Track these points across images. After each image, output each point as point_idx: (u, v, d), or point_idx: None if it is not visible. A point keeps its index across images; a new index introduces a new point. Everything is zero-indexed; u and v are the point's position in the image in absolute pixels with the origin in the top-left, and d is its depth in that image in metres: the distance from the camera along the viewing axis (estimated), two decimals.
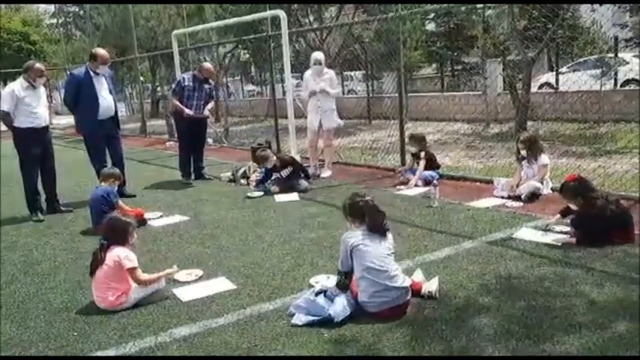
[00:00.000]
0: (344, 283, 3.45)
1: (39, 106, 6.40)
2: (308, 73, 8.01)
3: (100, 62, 6.85)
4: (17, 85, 6.31)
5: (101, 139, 7.07)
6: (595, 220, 4.34)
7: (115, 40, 19.38)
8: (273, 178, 7.21)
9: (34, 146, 6.41)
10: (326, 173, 8.03)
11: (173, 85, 8.29)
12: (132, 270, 3.78)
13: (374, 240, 3.39)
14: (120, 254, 3.77)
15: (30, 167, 6.50)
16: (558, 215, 4.76)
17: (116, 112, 7.19)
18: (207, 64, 8.28)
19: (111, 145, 7.21)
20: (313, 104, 7.91)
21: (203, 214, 6.24)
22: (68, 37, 26.92)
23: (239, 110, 22.64)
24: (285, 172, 7.14)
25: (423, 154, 7.05)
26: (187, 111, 7.84)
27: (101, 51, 6.99)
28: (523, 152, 6.00)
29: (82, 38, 27.27)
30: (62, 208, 6.76)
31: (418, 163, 7.12)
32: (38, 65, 6.44)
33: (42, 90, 6.54)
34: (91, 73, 6.84)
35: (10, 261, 5.03)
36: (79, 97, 6.88)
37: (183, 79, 8.01)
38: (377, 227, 3.43)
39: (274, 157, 7.28)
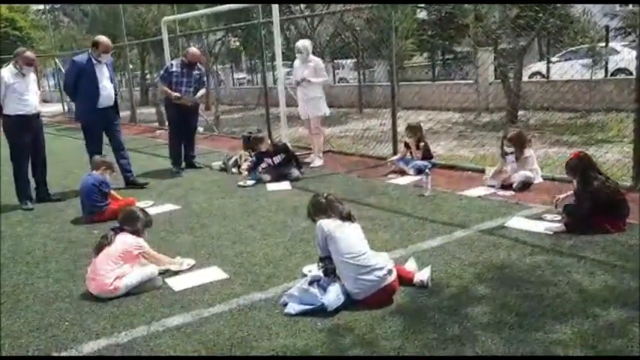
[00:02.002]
0: (329, 268, 3.54)
1: (29, 93, 6.28)
2: (296, 62, 7.99)
3: (101, 50, 6.69)
4: (6, 72, 6.19)
5: (99, 127, 6.94)
6: (587, 199, 4.36)
7: (104, 27, 19.14)
8: (264, 165, 7.19)
9: (24, 134, 6.31)
10: (317, 162, 8.00)
11: (161, 72, 8.19)
12: (142, 253, 3.97)
13: (346, 227, 3.51)
14: (131, 241, 3.91)
15: (20, 155, 6.40)
16: (571, 192, 4.74)
17: (116, 100, 7.05)
18: (193, 49, 8.16)
19: (111, 132, 7.08)
20: (301, 93, 7.90)
21: (194, 203, 6.21)
22: (56, 23, 26.56)
23: (229, 98, 22.50)
24: (277, 159, 7.12)
25: (422, 144, 7.09)
26: (175, 94, 7.75)
27: (104, 39, 6.81)
28: (508, 149, 6.00)
29: (70, 25, 26.95)
30: (52, 197, 6.69)
31: (411, 153, 7.13)
32: (28, 53, 6.32)
33: (32, 77, 6.42)
34: (93, 61, 6.69)
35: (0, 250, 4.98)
36: (80, 85, 6.74)
37: (172, 65, 7.92)
38: (345, 214, 3.58)
39: (269, 142, 7.26)
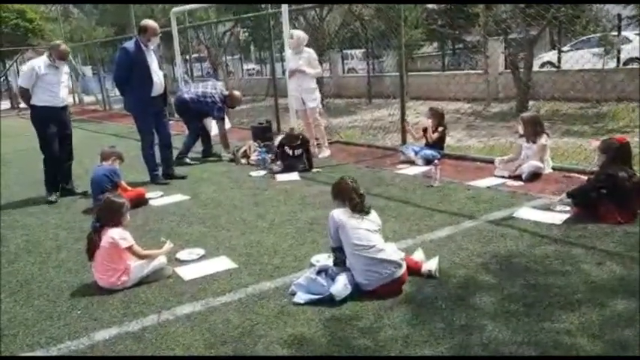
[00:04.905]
0: (340, 259, 3.56)
1: (59, 85, 6.26)
2: (289, 53, 8.01)
3: (150, 34, 6.49)
4: (40, 62, 6.16)
5: (152, 118, 6.78)
6: (603, 180, 4.36)
7: (113, 19, 19.19)
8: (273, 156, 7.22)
9: (50, 125, 6.27)
10: (324, 153, 8.01)
11: (221, 114, 8.30)
12: (129, 248, 3.81)
13: (358, 218, 3.49)
14: (114, 235, 3.79)
15: (49, 146, 6.34)
16: (585, 178, 4.73)
17: (166, 89, 6.88)
18: (236, 93, 8.57)
19: (160, 123, 6.90)
20: (294, 84, 7.91)
21: (204, 194, 6.25)
22: (66, 15, 26.62)
23: (238, 89, 22.46)
24: (298, 151, 7.08)
25: (441, 128, 7.13)
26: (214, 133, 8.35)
27: (151, 22, 6.60)
28: (519, 129, 6.02)
29: (80, 16, 26.99)
30: (77, 191, 6.58)
31: (427, 137, 7.14)
32: (63, 47, 6.31)
33: (64, 70, 6.39)
34: (143, 47, 6.49)
35: (13, 240, 5.06)
36: (132, 74, 6.51)
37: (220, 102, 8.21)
38: (358, 206, 3.54)
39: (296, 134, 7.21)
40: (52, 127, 6.31)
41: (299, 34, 7.87)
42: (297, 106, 8.10)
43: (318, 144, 8.20)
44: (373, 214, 3.60)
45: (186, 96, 8.28)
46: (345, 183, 3.62)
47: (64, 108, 6.48)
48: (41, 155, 6.47)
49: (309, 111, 7.96)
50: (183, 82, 11.07)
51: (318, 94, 8.00)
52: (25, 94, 6.22)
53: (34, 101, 6.22)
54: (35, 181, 7.49)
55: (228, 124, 8.82)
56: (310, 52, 7.88)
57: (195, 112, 8.19)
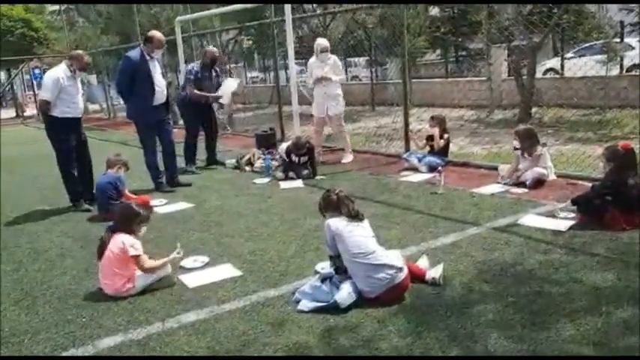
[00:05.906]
0: (340, 266, 3.56)
1: (78, 95, 6.20)
2: (312, 60, 8.01)
3: (155, 46, 6.55)
4: (61, 73, 6.01)
5: (155, 126, 6.81)
6: (608, 187, 4.36)
7: (118, 27, 19.30)
8: (280, 162, 7.26)
9: (71, 136, 6.17)
10: (347, 158, 8.05)
11: (190, 76, 8.10)
12: (136, 257, 3.81)
13: (354, 225, 3.51)
14: (125, 241, 3.80)
15: (69, 158, 6.21)
16: (590, 185, 4.74)
17: (168, 97, 6.91)
18: (211, 47, 8.43)
19: (163, 131, 6.91)
20: (320, 91, 7.91)
21: (208, 201, 6.27)
22: (71, 24, 26.77)
23: (242, 97, 22.55)
24: (303, 159, 7.11)
25: (447, 135, 7.14)
26: (211, 95, 8.12)
27: (157, 34, 6.66)
28: (515, 143, 6.01)
29: (85, 25, 27.14)
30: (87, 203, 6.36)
31: (432, 146, 7.15)
32: (87, 58, 6.27)
33: (79, 79, 6.32)
34: (147, 57, 6.53)
35: (18, 248, 5.08)
36: (134, 82, 6.54)
37: (193, 67, 8.12)
38: (354, 213, 3.56)
39: (303, 142, 7.22)
40: (72, 138, 6.19)
41: (326, 43, 7.90)
42: (319, 114, 8.06)
43: (336, 150, 8.17)
44: (366, 222, 3.62)
45: (182, 93, 8.50)
46: (335, 195, 3.64)
47: (81, 117, 6.42)
48: (52, 163, 6.38)
49: (334, 117, 7.99)
50: None
51: (342, 101, 8.03)
52: (46, 105, 6.03)
53: (56, 113, 6.03)
54: (40, 188, 7.56)
55: (234, 84, 8.82)
56: (335, 59, 7.95)
57: (193, 104, 8.12)
